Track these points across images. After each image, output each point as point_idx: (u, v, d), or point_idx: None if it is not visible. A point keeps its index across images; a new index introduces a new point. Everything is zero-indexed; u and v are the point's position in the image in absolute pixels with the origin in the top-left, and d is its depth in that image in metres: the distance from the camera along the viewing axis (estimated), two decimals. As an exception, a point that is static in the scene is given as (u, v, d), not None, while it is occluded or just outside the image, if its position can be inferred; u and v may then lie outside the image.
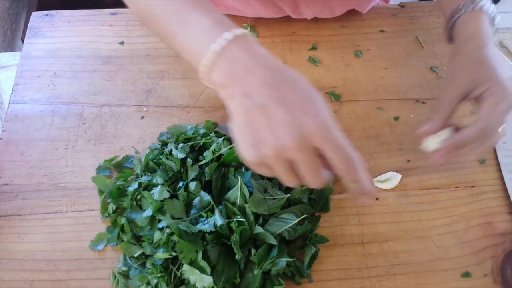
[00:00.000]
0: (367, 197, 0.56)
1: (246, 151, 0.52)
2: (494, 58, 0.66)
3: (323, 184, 0.54)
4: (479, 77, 0.65)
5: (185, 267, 0.62)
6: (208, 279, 0.61)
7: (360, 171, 0.53)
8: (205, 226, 0.64)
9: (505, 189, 0.76)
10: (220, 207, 0.66)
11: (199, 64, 0.55)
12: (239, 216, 0.65)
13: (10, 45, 1.56)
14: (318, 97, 0.53)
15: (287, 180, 0.54)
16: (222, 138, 0.73)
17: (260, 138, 0.51)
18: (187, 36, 0.58)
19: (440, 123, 0.67)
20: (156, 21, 0.61)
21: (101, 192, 0.72)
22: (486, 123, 0.63)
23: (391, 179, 0.76)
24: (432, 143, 0.68)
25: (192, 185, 0.68)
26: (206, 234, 0.64)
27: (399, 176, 0.76)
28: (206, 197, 0.67)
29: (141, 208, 0.69)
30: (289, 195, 0.68)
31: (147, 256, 0.66)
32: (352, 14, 0.95)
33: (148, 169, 0.73)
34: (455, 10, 0.72)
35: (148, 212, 0.67)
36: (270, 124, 0.50)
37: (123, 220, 0.68)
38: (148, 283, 0.64)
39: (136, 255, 0.66)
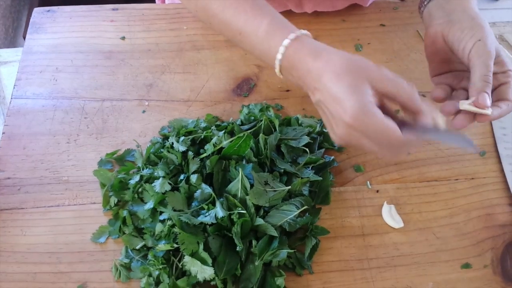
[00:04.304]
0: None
1: (332, 137, 0.62)
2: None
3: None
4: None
5: (187, 258, 0.62)
6: (210, 271, 0.61)
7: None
8: (206, 218, 0.64)
9: (505, 181, 0.77)
10: (221, 199, 0.67)
11: (272, 64, 0.64)
12: (240, 208, 0.65)
13: (12, 42, 1.57)
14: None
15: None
16: (223, 131, 0.74)
17: (331, 126, 0.61)
18: (253, 40, 0.65)
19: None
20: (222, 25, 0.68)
21: (103, 185, 0.72)
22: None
23: None
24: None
25: (193, 178, 0.69)
26: (207, 226, 0.64)
27: None
28: (207, 189, 0.68)
29: (142, 201, 0.69)
30: (289, 187, 0.69)
31: (148, 248, 0.66)
32: (352, 8, 0.96)
33: (150, 162, 0.73)
34: None
35: (150, 205, 0.67)
36: (331, 116, 0.60)
37: (124, 213, 0.69)
38: (150, 275, 0.64)
39: (138, 247, 0.67)
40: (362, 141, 0.58)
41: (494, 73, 0.65)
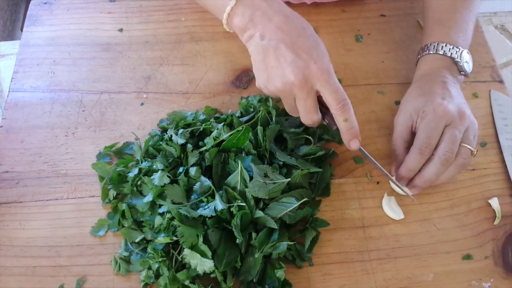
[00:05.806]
0: (355, 140, 0.67)
1: (262, 84, 0.66)
2: (435, 90, 0.71)
3: (313, 122, 0.67)
4: (417, 107, 0.71)
5: (186, 251, 0.62)
6: (209, 263, 0.61)
7: (351, 111, 0.65)
8: (206, 211, 0.64)
9: (506, 172, 0.76)
10: (221, 192, 0.66)
11: (223, 13, 0.66)
12: (239, 201, 0.64)
13: (10, 35, 1.56)
14: (321, 45, 0.64)
15: (290, 110, 0.69)
16: (222, 124, 0.73)
17: (272, 75, 0.63)
18: None
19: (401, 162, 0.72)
20: None
21: (101, 178, 0.72)
22: (420, 142, 0.68)
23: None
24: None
25: (192, 171, 0.68)
26: (207, 219, 0.64)
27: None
28: (207, 182, 0.67)
29: (141, 194, 0.69)
30: (289, 179, 0.68)
31: (148, 241, 0.66)
32: (352, -2, 0.95)
33: (148, 155, 0.73)
34: (421, 48, 0.78)
35: (149, 198, 0.67)
36: (280, 64, 0.62)
37: (123, 206, 0.68)
38: (149, 268, 0.64)
39: (137, 240, 0.67)
40: (299, 94, 0.63)
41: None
